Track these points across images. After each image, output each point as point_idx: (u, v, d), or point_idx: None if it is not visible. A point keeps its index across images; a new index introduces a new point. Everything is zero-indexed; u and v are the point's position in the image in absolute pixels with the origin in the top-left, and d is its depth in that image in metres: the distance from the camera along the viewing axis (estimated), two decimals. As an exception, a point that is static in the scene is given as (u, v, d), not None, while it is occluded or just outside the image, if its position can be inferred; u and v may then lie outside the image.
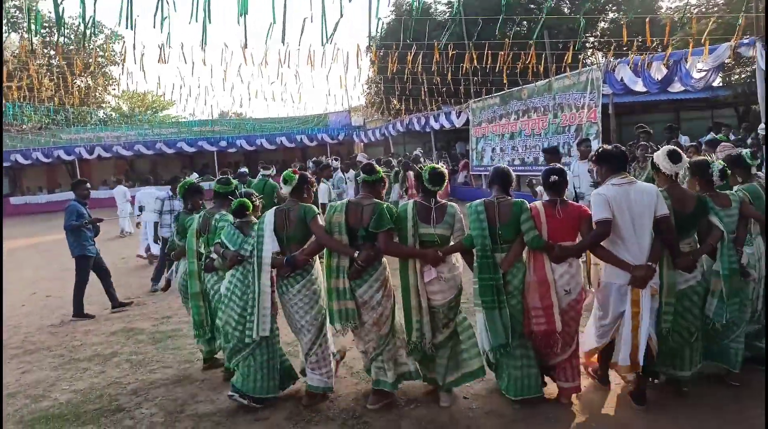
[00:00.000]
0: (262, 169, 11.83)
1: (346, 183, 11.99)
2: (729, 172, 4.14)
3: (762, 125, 10.20)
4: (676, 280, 3.69)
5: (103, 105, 34.80)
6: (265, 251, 4.03)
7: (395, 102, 20.75)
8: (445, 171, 4.02)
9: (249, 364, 4.10)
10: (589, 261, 3.94)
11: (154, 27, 5.19)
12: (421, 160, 13.75)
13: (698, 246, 3.83)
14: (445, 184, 4.01)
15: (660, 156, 3.80)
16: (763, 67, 7.34)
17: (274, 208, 4.27)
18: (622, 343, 3.62)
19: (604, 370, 4.00)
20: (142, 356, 5.45)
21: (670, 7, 22.99)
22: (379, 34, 13.47)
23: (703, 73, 8.71)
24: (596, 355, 4.05)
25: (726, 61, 8.56)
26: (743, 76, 15.30)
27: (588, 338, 3.98)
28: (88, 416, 4.18)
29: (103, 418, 4.14)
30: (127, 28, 5.09)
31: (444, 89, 17.64)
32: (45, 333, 6.63)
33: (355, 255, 3.84)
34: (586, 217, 3.68)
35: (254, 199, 4.64)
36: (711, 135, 8.56)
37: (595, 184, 6.09)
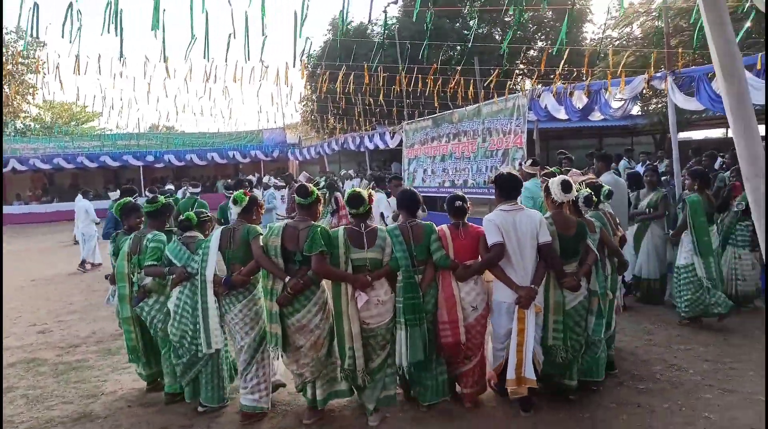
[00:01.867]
0: (191, 187, 11.55)
1: (276, 199, 11.84)
2: (595, 199, 4.58)
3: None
4: (562, 300, 4.05)
5: (21, 115, 32.85)
6: (208, 268, 4.08)
7: (330, 120, 20.68)
8: (365, 193, 4.12)
9: (201, 377, 4.27)
10: (484, 279, 4.21)
11: (63, 36, 4.88)
12: (338, 182, 13.74)
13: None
14: (368, 206, 4.11)
15: (554, 184, 4.18)
16: (674, 99, 7.75)
17: (222, 227, 4.32)
18: (509, 359, 3.89)
19: (501, 382, 4.14)
20: (40, 391, 5.03)
21: (594, 39, 24.24)
22: (313, 53, 13.42)
23: (621, 103, 9.13)
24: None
25: (644, 92, 9.02)
26: (660, 105, 16.24)
27: (490, 358, 4.27)
28: (-31, 462, 3.79)
29: (-14, 463, 3.76)
30: (31, 35, 4.77)
31: (377, 110, 17.76)
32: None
33: (287, 280, 3.88)
34: (483, 238, 4.02)
35: (203, 216, 4.64)
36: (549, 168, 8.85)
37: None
